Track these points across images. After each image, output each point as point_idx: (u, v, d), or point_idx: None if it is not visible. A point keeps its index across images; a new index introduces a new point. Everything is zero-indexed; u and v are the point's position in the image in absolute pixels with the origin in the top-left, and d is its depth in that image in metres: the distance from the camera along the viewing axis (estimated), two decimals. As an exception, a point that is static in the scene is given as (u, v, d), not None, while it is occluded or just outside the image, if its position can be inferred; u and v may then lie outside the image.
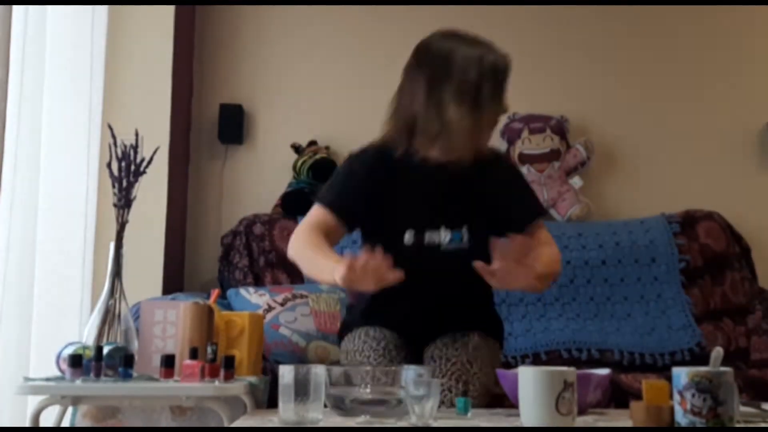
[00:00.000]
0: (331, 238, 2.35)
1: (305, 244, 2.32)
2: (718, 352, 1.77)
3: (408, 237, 2.36)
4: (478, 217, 2.38)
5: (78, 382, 2.08)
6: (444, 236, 2.35)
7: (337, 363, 2.29)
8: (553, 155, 3.95)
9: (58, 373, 2.22)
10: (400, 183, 2.40)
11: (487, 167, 2.43)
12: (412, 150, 2.39)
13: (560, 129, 4.01)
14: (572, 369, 1.68)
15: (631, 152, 4.15)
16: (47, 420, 2.24)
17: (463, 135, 2.30)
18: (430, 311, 2.42)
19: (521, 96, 4.12)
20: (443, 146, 2.34)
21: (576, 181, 3.96)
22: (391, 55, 4.13)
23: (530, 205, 2.52)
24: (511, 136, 4.01)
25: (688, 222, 3.77)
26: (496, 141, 4.03)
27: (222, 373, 2.09)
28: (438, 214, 2.38)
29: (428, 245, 2.35)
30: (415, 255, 2.34)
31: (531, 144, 3.96)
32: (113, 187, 2.41)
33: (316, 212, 2.40)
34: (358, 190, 2.40)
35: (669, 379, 1.68)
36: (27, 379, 2.28)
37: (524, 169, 3.92)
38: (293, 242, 2.37)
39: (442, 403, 2.07)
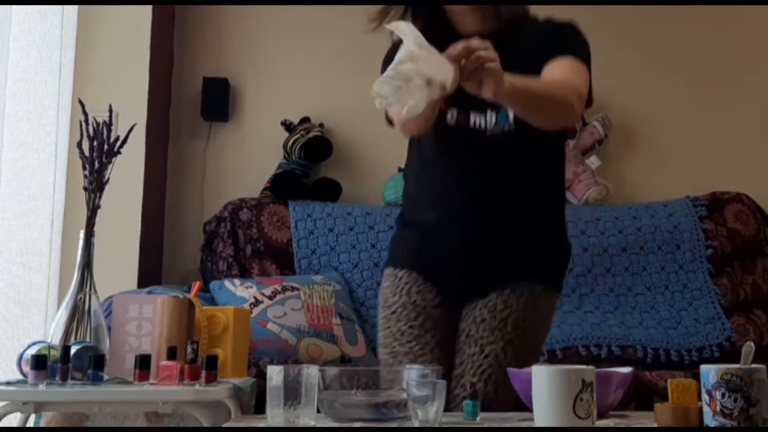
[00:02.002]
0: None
1: None
2: (749, 347, 1.75)
3: (451, 116, 2.26)
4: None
5: (42, 386, 2.04)
6: (489, 118, 2.24)
7: (332, 363, 2.27)
8: (568, 133, 3.93)
9: (19, 376, 2.19)
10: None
11: (532, 34, 2.34)
12: (448, 21, 2.33)
13: (575, 104, 3.98)
14: (591, 368, 1.65)
15: (653, 130, 4.14)
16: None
17: None
18: (474, 245, 2.27)
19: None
20: (473, 12, 2.29)
21: (593, 161, 3.95)
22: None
23: (568, 44, 2.34)
24: (521, 111, 3.98)
25: (715, 205, 3.78)
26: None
27: (203, 374, 2.06)
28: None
29: (473, 129, 2.24)
30: (459, 139, 2.26)
31: (543, 120, 3.94)
32: (84, 168, 2.38)
33: None
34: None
35: (696, 377, 1.66)
36: (-17, 383, 2.24)
37: (536, 148, 3.90)
38: None
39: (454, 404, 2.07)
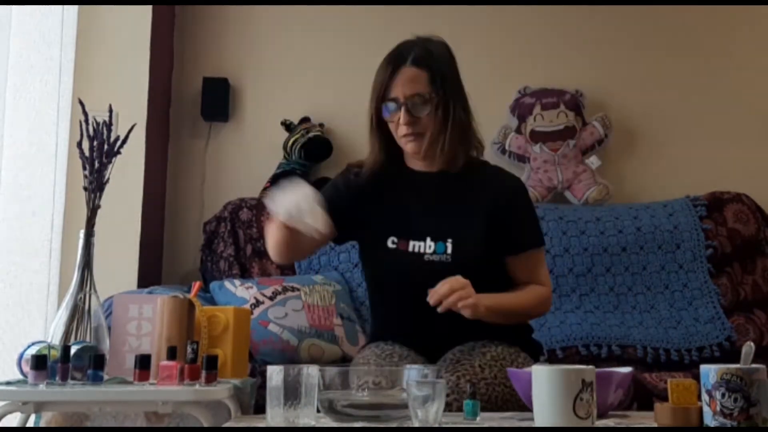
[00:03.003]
0: (312, 245, 2.54)
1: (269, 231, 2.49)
2: (749, 347, 1.75)
3: (391, 242, 2.45)
4: (468, 231, 2.43)
5: (42, 386, 2.03)
6: (428, 246, 2.42)
7: (332, 363, 2.27)
8: (568, 133, 3.94)
9: (20, 376, 2.18)
10: (388, 193, 2.53)
11: (487, 180, 2.54)
12: (400, 160, 2.57)
13: (575, 104, 3.99)
14: (591, 367, 1.65)
15: (653, 129, 4.13)
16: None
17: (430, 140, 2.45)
18: (437, 323, 2.39)
19: (533, 68, 4.15)
20: (424, 155, 2.49)
21: (593, 161, 3.94)
22: (393, 24, 4.14)
23: (530, 232, 2.53)
24: (522, 112, 3.99)
25: (715, 205, 3.77)
26: (506, 117, 4.01)
27: (203, 374, 2.05)
28: (423, 223, 2.46)
29: (412, 253, 2.43)
30: (400, 261, 2.43)
31: (543, 121, 3.95)
32: (84, 168, 2.37)
33: None
34: (341, 203, 2.50)
35: (696, 377, 1.66)
36: (-17, 383, 2.24)
37: (536, 148, 3.91)
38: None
39: (449, 406, 2.05)
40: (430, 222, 2.44)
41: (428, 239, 2.42)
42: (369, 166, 2.55)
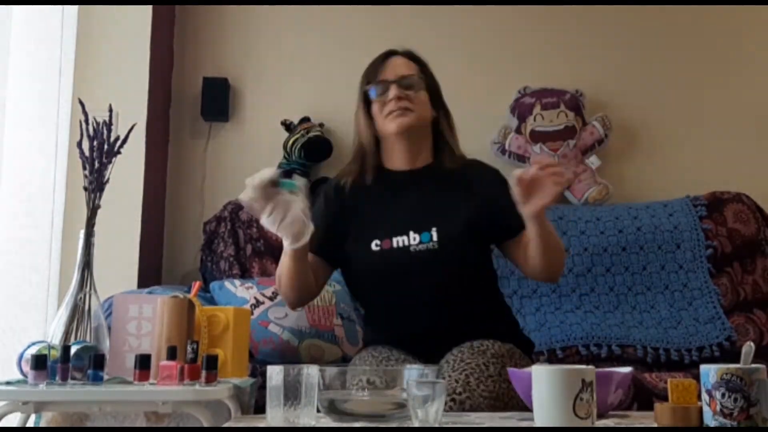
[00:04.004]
0: (317, 276, 2.54)
1: (279, 276, 2.50)
2: (749, 347, 1.74)
3: (375, 245, 2.45)
4: (452, 216, 2.45)
5: (41, 386, 2.03)
6: (412, 238, 2.43)
7: (332, 363, 2.27)
8: (568, 133, 3.93)
9: (20, 376, 2.18)
10: (368, 200, 2.56)
11: (467, 171, 2.58)
12: (378, 164, 2.60)
13: (575, 104, 3.98)
14: (591, 367, 1.64)
15: (653, 129, 4.13)
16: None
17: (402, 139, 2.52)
18: (430, 320, 2.43)
19: (533, 68, 4.15)
20: (396, 155, 2.56)
21: (593, 161, 3.94)
22: (392, 23, 4.15)
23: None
24: (522, 111, 3.98)
25: (715, 205, 3.76)
26: (506, 117, 4.01)
27: (203, 374, 2.05)
28: (404, 220, 2.47)
29: (397, 249, 2.43)
30: (386, 260, 2.44)
31: (543, 120, 3.94)
32: (84, 168, 2.37)
33: None
34: (327, 223, 2.53)
35: (696, 377, 1.66)
36: (-17, 382, 2.24)
37: (536, 148, 3.90)
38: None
39: (462, 404, 2.07)
40: (411, 217, 2.45)
41: (411, 232, 2.42)
42: (354, 169, 2.59)
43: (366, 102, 2.55)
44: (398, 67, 2.52)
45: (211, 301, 3.15)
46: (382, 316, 2.54)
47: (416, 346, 2.43)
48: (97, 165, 2.36)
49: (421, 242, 2.41)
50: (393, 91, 2.46)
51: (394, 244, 2.43)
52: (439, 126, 2.59)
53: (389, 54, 2.55)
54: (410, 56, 2.57)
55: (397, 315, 2.47)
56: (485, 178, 2.57)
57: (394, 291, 2.45)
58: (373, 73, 2.52)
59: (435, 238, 2.40)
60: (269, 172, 2.19)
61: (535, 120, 3.95)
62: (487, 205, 2.47)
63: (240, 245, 3.61)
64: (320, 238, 2.46)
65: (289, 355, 2.97)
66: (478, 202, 2.47)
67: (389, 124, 2.48)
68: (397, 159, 2.56)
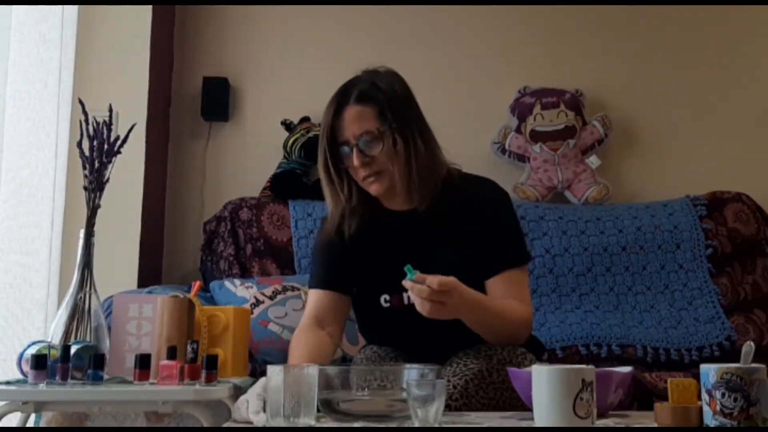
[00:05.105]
0: (336, 314, 2.43)
1: (291, 345, 2.40)
2: (749, 346, 1.74)
3: (384, 300, 2.38)
4: (456, 267, 2.22)
5: (42, 386, 2.03)
6: None
7: (333, 363, 2.27)
8: (568, 132, 3.93)
9: (20, 376, 2.18)
10: (371, 245, 2.43)
11: (465, 204, 2.39)
12: (377, 203, 2.44)
13: (575, 104, 3.98)
14: (591, 367, 1.64)
15: (653, 129, 4.13)
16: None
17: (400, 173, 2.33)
18: (443, 344, 2.37)
19: (533, 68, 4.15)
20: (390, 194, 2.39)
21: (593, 161, 3.94)
22: (392, 23, 4.15)
23: (505, 251, 2.38)
24: (521, 111, 3.98)
25: (715, 204, 3.77)
26: (506, 117, 4.01)
27: (203, 374, 2.05)
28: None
29: (408, 306, 2.28)
30: (396, 318, 2.37)
31: (543, 120, 3.94)
32: (84, 168, 2.37)
33: (311, 298, 2.47)
34: (336, 254, 2.45)
35: (696, 377, 1.65)
36: (-17, 382, 2.24)
37: (536, 148, 3.90)
38: (291, 341, 2.43)
39: (458, 411, 2.06)
40: (417, 268, 2.21)
41: None
42: (334, 219, 2.42)
43: (332, 155, 2.36)
44: (354, 122, 2.32)
45: (211, 301, 3.15)
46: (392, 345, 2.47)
47: (422, 353, 2.36)
48: (97, 165, 2.35)
49: None
50: (356, 159, 2.29)
51: (405, 301, 2.32)
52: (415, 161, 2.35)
53: (341, 104, 2.35)
54: (364, 98, 2.33)
55: (400, 347, 2.44)
56: (485, 207, 2.40)
57: (404, 340, 2.41)
58: (328, 131, 2.34)
59: None
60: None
61: (535, 120, 3.95)
62: (481, 242, 2.33)
63: (240, 245, 3.61)
64: (328, 272, 2.44)
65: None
66: (481, 236, 2.34)
67: (368, 188, 2.34)
68: (390, 201, 2.42)
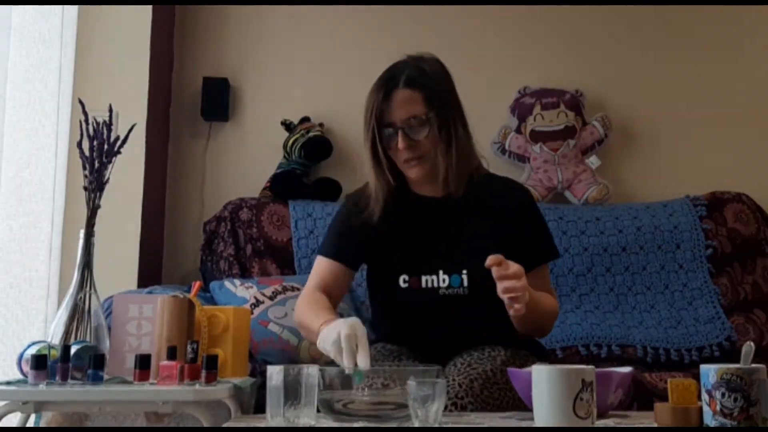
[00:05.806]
0: (339, 285, 2.45)
1: (301, 306, 2.38)
2: (749, 346, 1.73)
3: (402, 281, 2.39)
4: (481, 261, 2.17)
5: (42, 386, 2.03)
6: (442, 279, 2.36)
7: (332, 363, 2.28)
8: (568, 133, 3.93)
9: (20, 376, 2.18)
10: (396, 223, 2.45)
11: (494, 198, 2.45)
12: (406, 187, 2.48)
13: (575, 104, 3.98)
14: (591, 367, 1.64)
15: (653, 130, 4.13)
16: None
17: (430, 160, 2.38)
18: (448, 348, 2.38)
19: (533, 68, 4.15)
20: (429, 180, 2.43)
21: (593, 161, 3.94)
22: (392, 23, 4.14)
23: (538, 246, 2.45)
24: (522, 111, 3.98)
25: (715, 205, 3.77)
26: (506, 117, 4.01)
27: (203, 374, 2.06)
28: (435, 256, 2.39)
29: (426, 289, 2.36)
30: (414, 299, 2.38)
31: (543, 120, 3.94)
32: (84, 168, 2.37)
33: (317, 265, 2.48)
34: (354, 230, 2.46)
35: (696, 377, 1.66)
36: (-17, 382, 2.24)
37: (536, 148, 3.90)
38: (296, 306, 2.43)
39: (464, 409, 2.06)
40: (441, 254, 2.37)
41: (441, 272, 2.35)
42: (378, 196, 2.43)
43: (377, 136, 2.37)
44: (402, 105, 2.34)
45: (211, 301, 3.15)
46: (400, 336, 2.45)
47: (429, 350, 2.38)
48: (97, 165, 2.35)
49: (450, 286, 2.33)
50: (401, 141, 2.32)
51: (423, 284, 2.35)
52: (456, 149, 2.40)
53: (390, 87, 2.35)
54: (413, 83, 2.36)
55: (416, 340, 2.42)
56: (514, 204, 2.45)
57: (418, 328, 2.39)
58: (375, 111, 2.34)
59: (465, 283, 2.33)
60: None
61: (535, 120, 3.95)
62: (516, 237, 2.36)
63: (240, 245, 3.60)
64: (340, 243, 2.44)
65: (289, 355, 2.97)
66: (508, 233, 2.37)
67: (407, 171, 2.39)
68: (421, 187, 2.46)
